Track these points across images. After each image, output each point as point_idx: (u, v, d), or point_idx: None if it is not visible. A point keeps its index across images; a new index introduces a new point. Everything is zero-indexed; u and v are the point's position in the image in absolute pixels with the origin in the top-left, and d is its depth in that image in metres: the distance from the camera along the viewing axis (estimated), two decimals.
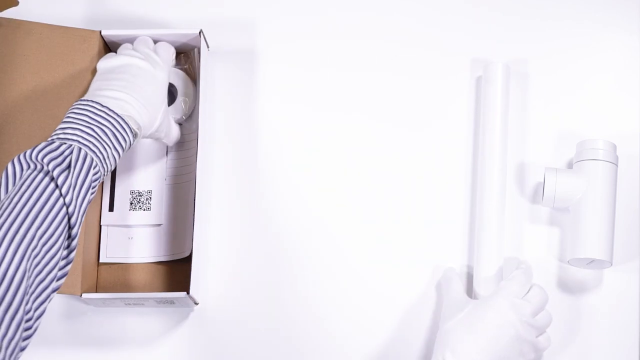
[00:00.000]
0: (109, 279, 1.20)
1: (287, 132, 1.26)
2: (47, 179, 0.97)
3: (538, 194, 1.22)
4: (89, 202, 1.01)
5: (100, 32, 1.21)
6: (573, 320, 1.19)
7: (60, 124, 1.05)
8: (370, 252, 1.21)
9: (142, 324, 1.20)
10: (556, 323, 1.18)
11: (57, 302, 1.20)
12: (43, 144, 1.00)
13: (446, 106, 1.26)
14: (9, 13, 1.18)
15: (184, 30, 1.22)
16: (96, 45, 1.20)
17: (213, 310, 1.20)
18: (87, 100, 1.06)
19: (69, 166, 0.99)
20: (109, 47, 1.24)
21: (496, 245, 1.18)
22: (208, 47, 1.24)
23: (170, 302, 1.16)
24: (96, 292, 1.19)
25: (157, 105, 1.12)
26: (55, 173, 0.97)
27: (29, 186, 0.95)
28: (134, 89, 1.09)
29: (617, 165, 1.19)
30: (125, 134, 1.06)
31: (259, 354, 1.19)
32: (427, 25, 1.28)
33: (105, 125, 1.04)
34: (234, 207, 1.23)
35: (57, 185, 0.96)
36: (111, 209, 1.21)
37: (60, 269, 0.97)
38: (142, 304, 1.18)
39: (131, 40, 1.22)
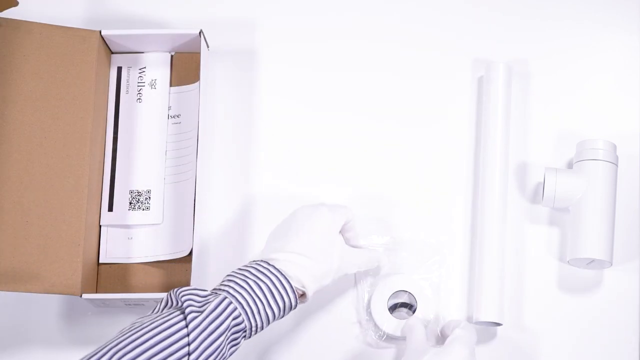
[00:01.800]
0: (109, 279, 1.20)
1: (287, 132, 1.26)
2: (180, 315, 0.96)
3: (538, 194, 1.23)
4: (223, 353, 0.98)
5: (100, 32, 1.21)
6: (573, 320, 1.19)
7: (226, 276, 1.04)
8: None
9: None
10: (556, 323, 1.18)
11: (58, 302, 1.20)
12: (195, 286, 1.01)
13: (447, 106, 1.26)
14: (9, 13, 1.18)
15: (184, 30, 1.22)
16: (96, 45, 1.20)
17: None
18: (256, 260, 1.05)
19: (205, 306, 0.98)
20: (109, 47, 1.24)
21: (497, 245, 1.18)
22: (208, 47, 1.24)
23: None
24: (96, 292, 1.19)
25: (329, 251, 1.08)
26: (187, 311, 0.96)
27: (163, 317, 0.96)
28: (303, 239, 1.06)
29: (617, 165, 1.19)
30: (284, 293, 1.03)
31: (258, 354, 1.19)
32: (428, 26, 1.28)
33: (262, 281, 1.02)
34: (234, 207, 1.23)
35: (186, 325, 0.96)
36: (110, 209, 1.21)
37: None
38: (143, 304, 1.18)
39: (131, 39, 1.22)
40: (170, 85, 1.26)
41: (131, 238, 1.20)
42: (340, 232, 1.11)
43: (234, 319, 0.99)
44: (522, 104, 1.25)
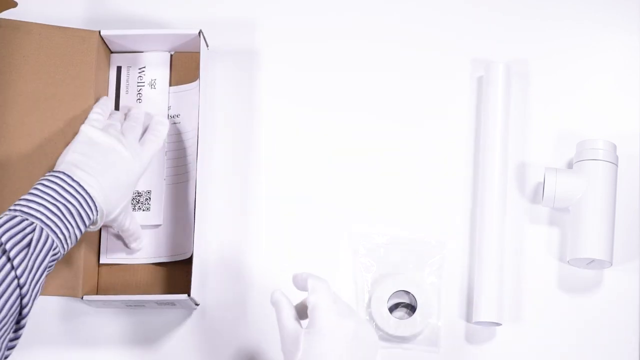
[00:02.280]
0: (109, 281, 1.20)
1: (287, 132, 1.25)
2: (4, 258, 0.95)
3: (538, 194, 1.23)
4: (43, 281, 1.00)
5: (100, 32, 1.21)
6: (573, 320, 1.19)
7: (28, 192, 1.02)
8: (369, 255, 1.21)
9: (143, 325, 1.20)
10: (556, 323, 1.19)
11: (58, 304, 1.20)
12: (5, 217, 0.98)
13: (447, 106, 1.26)
14: (9, 13, 1.18)
15: (184, 30, 1.22)
16: (96, 45, 1.20)
17: (213, 311, 1.20)
18: (59, 172, 1.04)
19: (28, 244, 0.97)
20: (108, 47, 1.24)
21: (496, 245, 1.18)
22: (208, 47, 1.24)
23: (171, 303, 1.16)
24: (97, 294, 1.19)
25: (120, 198, 1.09)
26: (12, 254, 0.95)
27: None
28: (105, 176, 1.07)
29: (617, 165, 1.19)
30: (90, 213, 1.04)
31: (259, 355, 1.19)
32: (428, 26, 1.28)
33: (71, 203, 1.02)
34: (234, 208, 1.23)
35: (12, 267, 0.95)
36: None
37: (7, 348, 0.96)
38: (143, 306, 1.18)
39: (130, 39, 1.22)
40: (170, 85, 1.25)
41: None
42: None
43: (53, 249, 1.00)
44: (522, 104, 1.25)
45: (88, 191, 1.04)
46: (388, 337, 1.18)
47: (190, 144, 1.22)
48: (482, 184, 1.21)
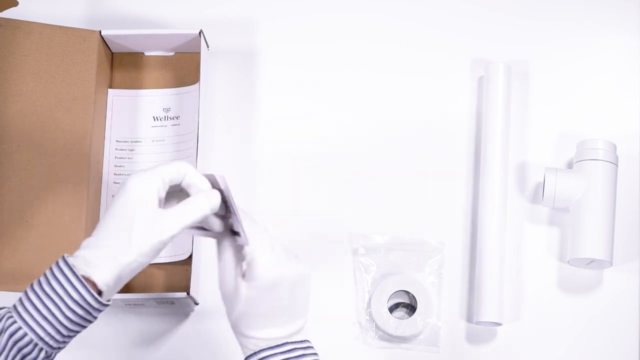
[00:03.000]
0: None
1: (287, 132, 1.26)
2: None
3: (538, 194, 1.23)
4: None
5: (100, 32, 1.21)
6: (573, 320, 1.19)
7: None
8: (369, 254, 1.21)
9: (143, 324, 1.20)
10: (556, 323, 1.18)
11: None
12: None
13: (447, 106, 1.26)
14: (9, 13, 1.18)
15: (184, 30, 1.22)
16: (96, 45, 1.20)
17: (213, 310, 1.20)
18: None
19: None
20: (109, 47, 1.24)
21: (497, 245, 1.18)
22: (208, 47, 1.24)
23: (171, 302, 1.16)
24: None
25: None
26: None
27: None
28: (100, 235, 0.89)
29: (617, 165, 1.19)
30: (73, 291, 0.87)
31: None
32: (428, 26, 1.28)
33: (50, 285, 0.87)
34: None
35: None
36: None
37: None
38: (143, 304, 1.18)
39: (131, 39, 1.22)
40: (170, 86, 1.26)
41: None
42: (169, 196, 0.92)
43: (14, 337, 0.86)
44: (522, 104, 1.25)
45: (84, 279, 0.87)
46: (388, 337, 1.18)
47: (190, 145, 1.22)
48: (482, 184, 1.21)
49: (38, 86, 1.18)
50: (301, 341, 0.93)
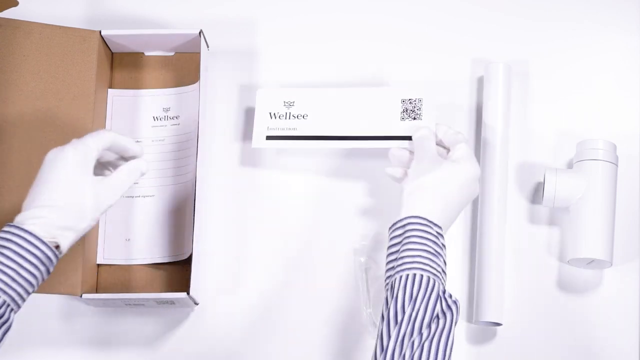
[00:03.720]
0: (109, 280, 1.20)
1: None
2: None
3: (538, 194, 1.23)
4: None
5: (100, 32, 1.21)
6: (573, 320, 1.19)
7: None
8: (369, 254, 1.21)
9: (142, 324, 1.20)
10: (556, 323, 1.18)
11: (58, 303, 1.20)
12: None
13: (447, 106, 1.26)
14: (9, 13, 1.18)
15: (184, 30, 1.22)
16: (96, 45, 1.20)
17: (213, 310, 1.20)
18: (6, 226, 0.98)
19: None
20: (109, 47, 1.24)
21: (497, 245, 1.18)
22: (208, 47, 1.24)
23: (171, 302, 1.16)
24: (96, 292, 1.19)
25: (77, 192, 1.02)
26: None
27: None
28: (49, 199, 0.99)
29: (617, 165, 1.19)
30: (38, 252, 0.98)
31: (258, 354, 1.19)
32: (428, 26, 1.28)
33: (8, 248, 0.96)
34: (234, 208, 1.23)
35: None
36: None
37: None
38: (142, 304, 1.18)
39: (131, 39, 1.22)
40: (170, 86, 1.26)
41: (129, 240, 1.20)
42: (99, 162, 1.05)
43: None
44: (522, 104, 1.25)
45: (28, 229, 0.97)
46: None
47: (190, 145, 1.22)
48: (482, 184, 1.21)
49: (38, 86, 1.18)
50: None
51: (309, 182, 1.24)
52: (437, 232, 1.03)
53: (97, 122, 1.20)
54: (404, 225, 1.04)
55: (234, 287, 1.20)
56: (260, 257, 1.21)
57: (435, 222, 1.04)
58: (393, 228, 1.05)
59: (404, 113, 1.18)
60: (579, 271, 1.20)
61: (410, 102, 1.18)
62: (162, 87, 1.26)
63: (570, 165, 1.22)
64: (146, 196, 1.21)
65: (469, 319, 1.19)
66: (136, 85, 1.26)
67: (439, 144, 1.14)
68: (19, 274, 0.96)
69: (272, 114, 1.21)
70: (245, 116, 1.26)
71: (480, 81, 1.26)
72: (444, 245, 1.04)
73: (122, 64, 1.26)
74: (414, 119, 1.18)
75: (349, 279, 1.20)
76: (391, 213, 1.22)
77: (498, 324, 1.17)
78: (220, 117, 1.26)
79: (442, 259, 1.03)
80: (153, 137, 1.24)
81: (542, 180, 1.20)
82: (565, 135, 1.24)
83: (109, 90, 1.24)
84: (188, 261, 1.17)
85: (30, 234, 0.97)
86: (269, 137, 1.20)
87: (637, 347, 1.18)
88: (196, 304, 1.18)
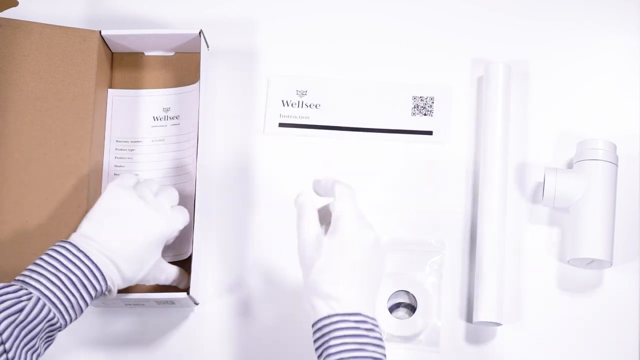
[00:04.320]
0: None
1: (288, 132, 1.25)
2: None
3: (538, 194, 1.23)
4: (42, 350, 0.99)
5: (100, 32, 1.21)
6: (573, 320, 1.19)
7: (33, 262, 1.01)
8: None
9: (143, 324, 1.20)
10: (556, 323, 1.18)
11: None
12: (3, 285, 0.98)
13: (447, 106, 1.26)
14: (9, 13, 1.18)
15: (184, 30, 1.22)
16: (96, 45, 1.20)
17: (213, 310, 1.20)
18: (66, 243, 1.02)
19: (19, 311, 0.96)
20: (109, 47, 1.24)
21: (496, 245, 1.18)
22: (208, 47, 1.24)
23: (171, 302, 1.16)
24: None
25: (144, 261, 1.07)
26: (2, 326, 0.95)
27: None
28: (121, 243, 1.04)
29: (617, 165, 1.19)
30: (97, 284, 1.02)
31: (258, 354, 1.19)
32: (428, 26, 1.28)
33: (74, 274, 1.00)
34: (234, 207, 1.23)
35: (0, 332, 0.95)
36: None
37: None
38: (143, 304, 1.18)
39: (131, 39, 1.22)
40: (170, 86, 1.26)
41: None
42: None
43: (49, 320, 0.98)
44: (522, 104, 1.25)
45: (94, 261, 1.02)
46: (388, 337, 1.18)
47: (190, 145, 1.22)
48: (482, 184, 1.21)
49: (38, 86, 1.18)
50: (372, 317, 0.96)
51: (310, 182, 1.24)
52: (355, 322, 0.95)
53: (97, 122, 1.20)
54: (320, 329, 0.96)
55: (234, 287, 1.20)
56: (260, 257, 1.21)
57: (350, 311, 0.95)
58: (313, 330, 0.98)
59: (415, 109, 1.19)
60: (579, 271, 1.20)
61: (422, 99, 1.19)
62: (162, 87, 1.25)
63: (570, 165, 1.22)
64: None
65: (469, 319, 1.19)
66: (136, 85, 1.26)
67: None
68: (77, 302, 1.00)
69: (285, 102, 1.22)
70: (245, 116, 1.26)
71: (480, 81, 1.26)
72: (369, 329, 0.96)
73: (122, 64, 1.26)
74: (425, 114, 1.18)
75: None
76: (392, 213, 1.22)
77: (498, 324, 1.17)
78: (220, 117, 1.26)
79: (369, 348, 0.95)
80: (153, 136, 1.24)
81: (542, 180, 1.20)
82: (565, 135, 1.24)
83: (109, 90, 1.24)
84: (188, 261, 1.16)
85: (102, 276, 1.02)
86: (281, 125, 1.21)
87: (637, 347, 1.18)
88: (196, 304, 1.18)
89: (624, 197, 1.21)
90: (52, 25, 1.20)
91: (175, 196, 1.11)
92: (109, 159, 1.23)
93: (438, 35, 1.28)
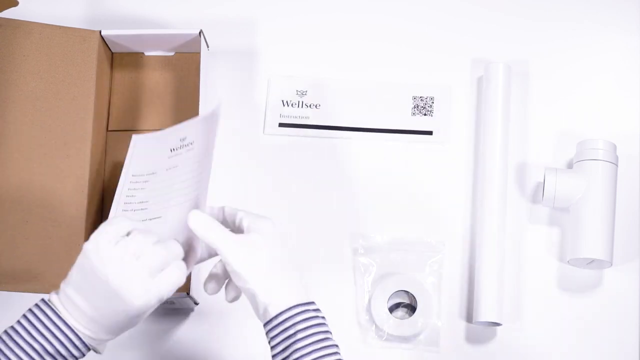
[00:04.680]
0: None
1: (288, 132, 1.26)
2: None
3: (538, 194, 1.23)
4: None
5: (100, 32, 1.21)
6: (573, 320, 1.19)
7: (15, 322, 0.92)
8: (369, 254, 1.21)
9: (143, 324, 1.19)
10: (556, 323, 1.18)
11: None
12: None
13: (447, 106, 1.26)
14: (9, 13, 1.18)
15: (184, 30, 1.22)
16: (96, 45, 1.20)
17: (213, 310, 1.20)
18: (43, 304, 0.92)
19: None
20: (109, 47, 1.24)
21: (496, 245, 1.18)
22: (208, 47, 1.24)
23: (171, 302, 1.16)
24: None
25: (123, 327, 0.94)
26: None
27: None
28: (100, 308, 0.91)
29: (617, 165, 1.19)
30: (76, 350, 0.92)
31: (258, 354, 1.19)
32: (428, 26, 1.29)
33: (49, 342, 0.91)
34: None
35: None
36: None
37: None
38: None
39: (131, 39, 1.22)
40: (170, 86, 1.25)
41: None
42: None
43: None
44: (522, 104, 1.25)
45: (71, 326, 0.91)
46: (388, 337, 1.18)
47: (205, 169, 1.21)
48: (482, 184, 1.21)
49: (38, 86, 1.18)
50: (310, 302, 0.94)
51: (310, 182, 1.24)
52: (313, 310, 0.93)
53: (97, 122, 1.20)
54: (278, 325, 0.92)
55: None
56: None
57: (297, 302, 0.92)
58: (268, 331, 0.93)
59: (415, 109, 1.20)
60: (579, 271, 1.20)
61: (422, 99, 1.19)
62: (164, 88, 1.25)
63: (570, 165, 1.22)
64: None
65: (469, 319, 1.19)
66: (136, 85, 1.25)
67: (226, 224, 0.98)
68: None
69: (285, 102, 1.22)
70: (245, 116, 1.26)
71: (480, 81, 1.26)
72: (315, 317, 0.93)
73: (122, 64, 1.26)
74: (425, 114, 1.19)
75: (349, 279, 1.20)
76: (392, 213, 1.22)
77: (498, 324, 1.17)
78: (220, 117, 1.25)
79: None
80: (168, 166, 1.22)
81: (542, 180, 1.20)
82: (565, 135, 1.24)
83: (134, 136, 1.20)
84: None
85: (79, 339, 0.92)
86: (281, 125, 1.22)
87: (637, 347, 1.18)
88: (196, 304, 1.18)
89: (624, 197, 1.21)
90: (52, 25, 1.20)
91: (174, 252, 0.93)
92: (121, 194, 1.16)
93: (438, 35, 1.28)
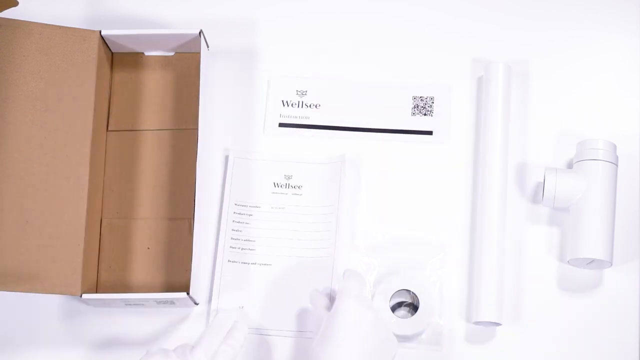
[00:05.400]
0: (109, 280, 1.20)
1: (288, 132, 1.25)
2: None
3: (538, 194, 1.23)
4: None
5: (100, 32, 1.21)
6: (573, 320, 1.19)
7: None
8: (370, 254, 1.21)
9: (142, 324, 1.20)
10: (556, 323, 1.18)
11: (57, 302, 1.20)
12: None
13: (447, 106, 1.26)
14: (9, 13, 1.18)
15: (184, 30, 1.22)
16: (96, 45, 1.20)
17: (213, 310, 1.19)
18: None
19: None
20: (109, 47, 1.24)
21: (496, 245, 1.18)
22: (208, 47, 1.24)
23: (171, 302, 1.16)
24: (96, 292, 1.19)
25: None
26: None
27: None
28: None
29: (617, 165, 1.19)
30: None
31: (258, 354, 1.19)
32: (428, 26, 1.29)
33: None
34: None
35: None
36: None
37: None
38: (142, 304, 1.18)
39: (131, 39, 1.22)
40: (171, 87, 1.25)
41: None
42: None
43: None
44: (522, 104, 1.25)
45: None
46: None
47: (314, 219, 1.22)
48: (482, 183, 1.21)
49: (38, 86, 1.18)
50: None
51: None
52: None
53: (97, 122, 1.20)
54: None
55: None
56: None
57: None
58: None
59: (415, 109, 1.20)
60: (579, 271, 1.20)
61: (422, 99, 1.19)
62: (164, 88, 1.25)
63: (570, 165, 1.22)
64: None
65: (469, 319, 1.19)
66: (136, 85, 1.25)
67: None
68: None
69: (285, 102, 1.22)
70: (245, 116, 1.26)
71: (480, 81, 1.26)
72: None
73: (122, 64, 1.26)
74: (425, 114, 1.19)
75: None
76: (393, 213, 1.22)
77: (498, 324, 1.17)
78: (220, 117, 1.26)
79: None
80: (273, 204, 1.22)
81: (542, 180, 1.20)
82: (565, 135, 1.24)
83: (230, 153, 1.22)
84: (188, 261, 1.16)
85: None
86: (281, 125, 1.22)
87: (637, 347, 1.18)
88: (196, 304, 1.18)
89: (624, 197, 1.21)
90: (52, 25, 1.20)
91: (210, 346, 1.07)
92: (227, 222, 1.21)
93: (438, 35, 1.28)
